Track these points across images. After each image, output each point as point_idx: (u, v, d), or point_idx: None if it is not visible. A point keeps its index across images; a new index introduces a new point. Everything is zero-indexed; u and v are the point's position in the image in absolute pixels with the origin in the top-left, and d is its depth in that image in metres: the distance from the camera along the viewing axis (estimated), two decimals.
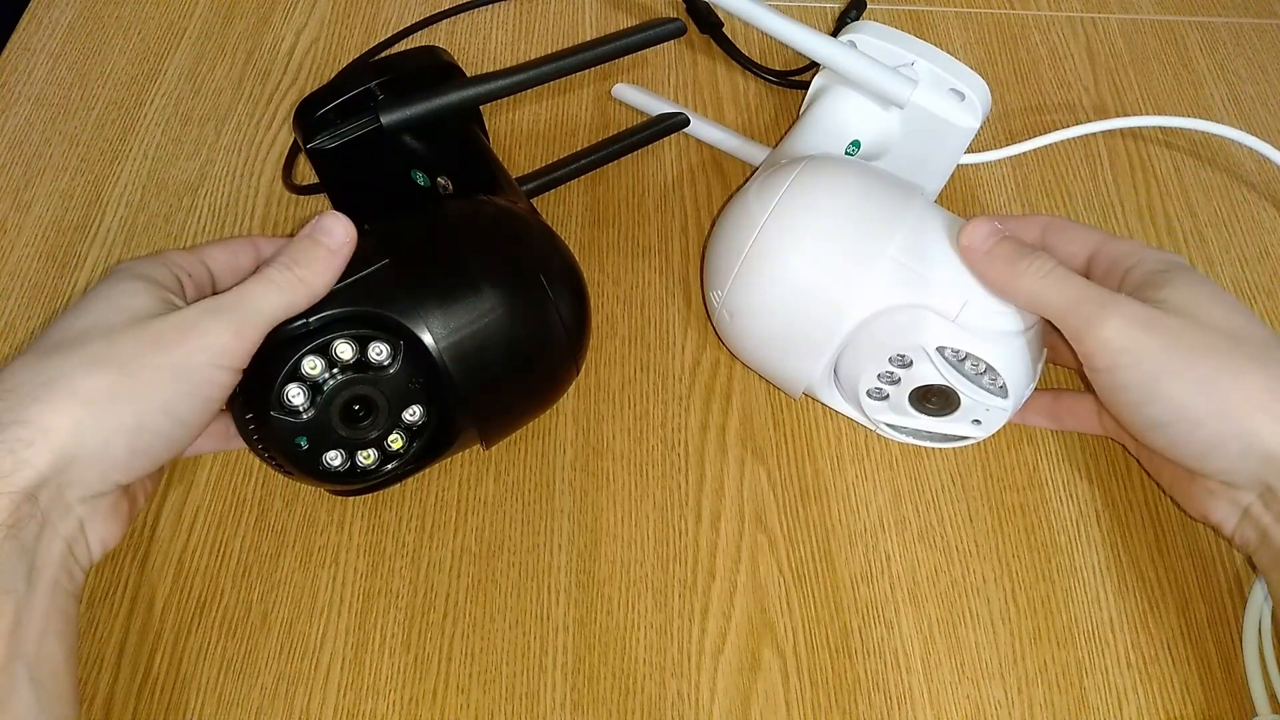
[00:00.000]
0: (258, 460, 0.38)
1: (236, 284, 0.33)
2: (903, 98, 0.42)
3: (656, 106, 0.51)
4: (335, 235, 0.33)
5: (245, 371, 0.33)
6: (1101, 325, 0.33)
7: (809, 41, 0.41)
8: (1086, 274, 0.38)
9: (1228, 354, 0.33)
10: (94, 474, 0.29)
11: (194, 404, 0.31)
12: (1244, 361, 0.32)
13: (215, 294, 0.34)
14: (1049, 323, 0.36)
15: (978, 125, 0.42)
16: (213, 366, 0.31)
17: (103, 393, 0.29)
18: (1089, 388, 0.37)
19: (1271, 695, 0.36)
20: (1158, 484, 0.40)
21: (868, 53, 0.42)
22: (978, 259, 0.35)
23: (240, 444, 0.40)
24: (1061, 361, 0.42)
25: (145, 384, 0.30)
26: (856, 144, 0.44)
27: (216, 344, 0.30)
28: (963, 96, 0.42)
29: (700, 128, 0.50)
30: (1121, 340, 0.33)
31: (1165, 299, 0.34)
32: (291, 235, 0.34)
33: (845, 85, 0.44)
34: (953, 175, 0.46)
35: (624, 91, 0.52)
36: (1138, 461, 0.41)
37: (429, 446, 0.35)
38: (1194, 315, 0.33)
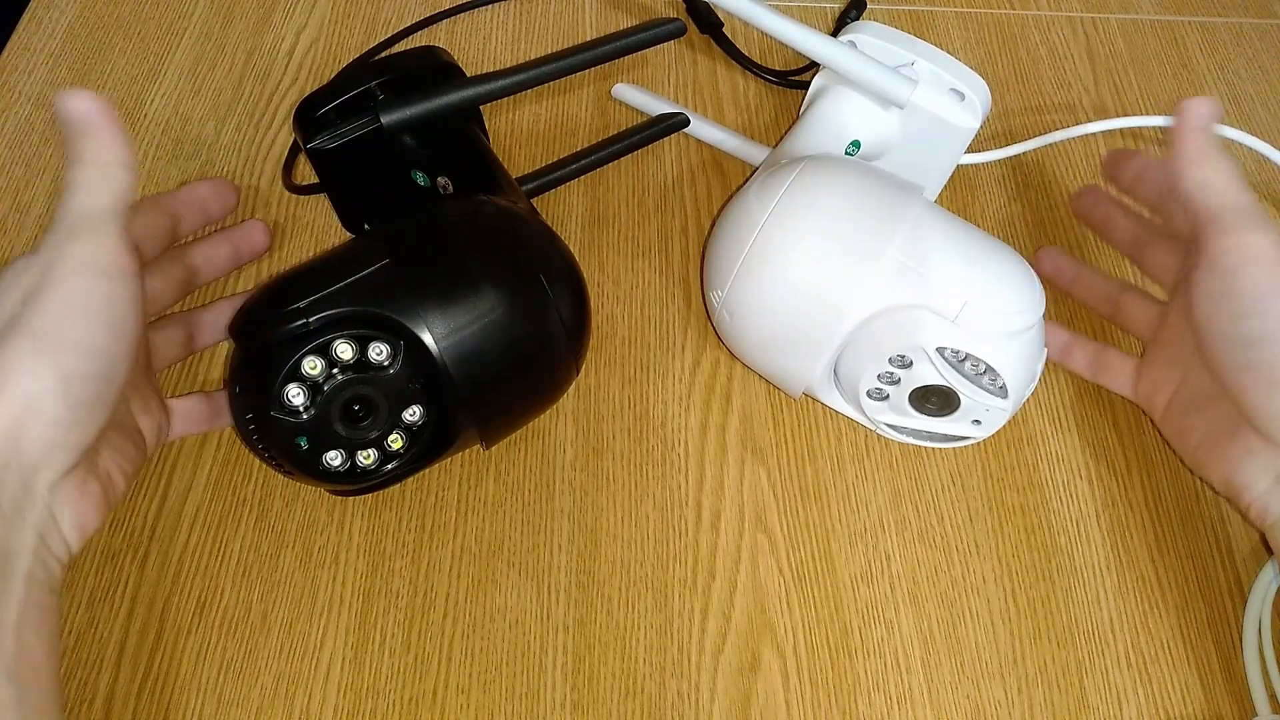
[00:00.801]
0: (258, 460, 0.38)
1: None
2: (903, 98, 0.42)
3: (656, 106, 0.51)
4: (83, 108, 0.31)
5: (245, 372, 0.33)
6: (1247, 230, 0.35)
7: (809, 41, 0.41)
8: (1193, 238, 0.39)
9: None
10: (45, 443, 0.29)
11: (107, 332, 0.30)
12: None
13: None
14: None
15: (978, 125, 0.42)
16: (95, 277, 0.30)
17: (21, 358, 0.29)
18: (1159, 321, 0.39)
19: (1271, 695, 0.36)
20: (1178, 453, 0.40)
21: (868, 53, 0.42)
22: (1191, 126, 0.37)
23: (222, 423, 0.40)
24: (1157, 278, 0.43)
25: (43, 332, 0.29)
26: (856, 144, 0.44)
27: (101, 261, 0.30)
28: (963, 96, 0.42)
29: (700, 128, 0.50)
30: (1259, 249, 0.34)
31: None
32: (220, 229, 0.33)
33: (845, 85, 0.44)
34: (953, 175, 0.46)
35: (624, 91, 0.52)
36: (1159, 433, 0.41)
37: (429, 446, 0.35)
38: None
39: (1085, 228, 0.49)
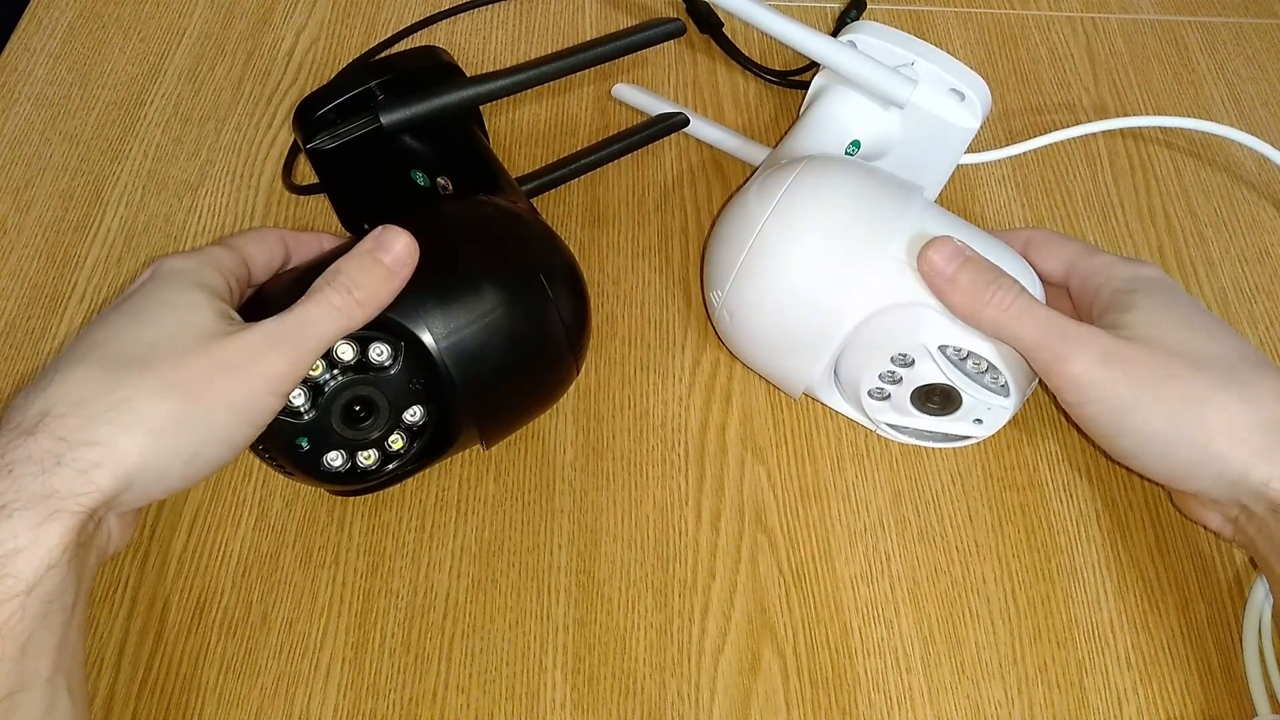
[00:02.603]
0: (258, 460, 0.38)
1: (268, 277, 0.33)
2: (903, 98, 0.42)
3: (657, 106, 0.51)
4: (395, 252, 0.32)
5: None
6: (1067, 362, 0.34)
7: (809, 41, 0.41)
8: (1066, 287, 0.38)
9: (1189, 382, 0.33)
10: (143, 494, 0.29)
11: (247, 431, 0.31)
12: (1205, 390, 0.33)
13: (259, 297, 0.34)
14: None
15: (978, 125, 0.42)
16: (269, 395, 0.30)
17: (170, 420, 0.29)
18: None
19: (1271, 695, 0.36)
20: (1162, 486, 0.40)
21: (868, 53, 0.42)
22: (940, 285, 0.35)
23: None
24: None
25: (209, 412, 0.29)
26: (857, 144, 0.44)
27: (276, 373, 0.30)
28: (963, 96, 0.42)
29: (700, 127, 0.50)
30: (1087, 377, 0.33)
31: (1130, 324, 0.34)
32: (317, 230, 0.33)
33: (845, 85, 0.44)
34: (953, 175, 0.46)
35: (624, 91, 0.52)
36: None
37: (429, 446, 0.35)
38: (1157, 341, 0.34)
39: (1086, 228, 0.49)
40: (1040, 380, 0.36)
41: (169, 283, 0.32)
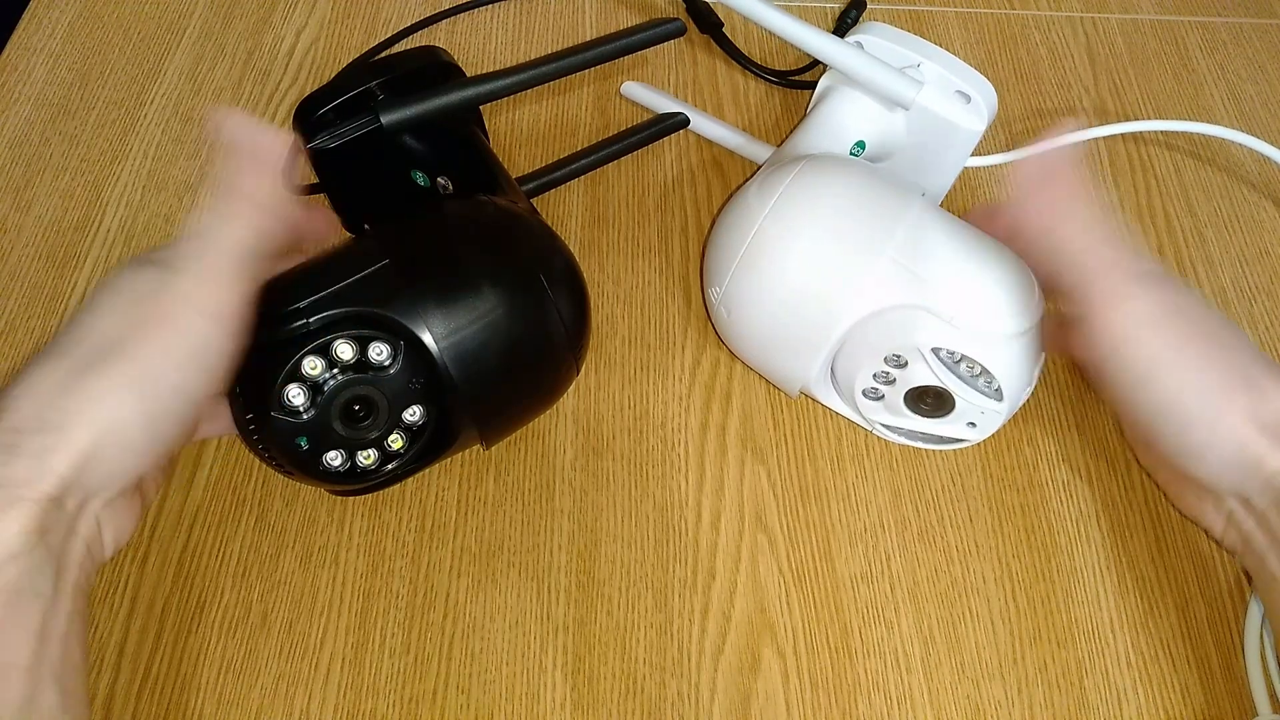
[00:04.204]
0: (258, 460, 0.38)
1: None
2: (908, 99, 0.42)
3: (664, 105, 0.51)
4: (249, 138, 0.31)
5: (246, 372, 0.33)
6: (1128, 300, 0.33)
7: (815, 41, 0.41)
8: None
9: (1228, 363, 0.33)
10: (115, 469, 0.29)
11: (199, 375, 0.30)
12: (1240, 374, 0.33)
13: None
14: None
15: (983, 128, 0.42)
16: (203, 319, 0.30)
17: (115, 389, 0.29)
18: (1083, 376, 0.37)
19: (1272, 695, 0.36)
20: (1154, 481, 0.40)
21: (874, 54, 0.42)
22: (1042, 172, 0.34)
23: None
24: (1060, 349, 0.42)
25: (153, 368, 0.29)
26: (861, 144, 0.44)
27: (208, 303, 0.30)
28: (969, 99, 0.42)
29: (703, 124, 0.50)
30: (1141, 319, 0.33)
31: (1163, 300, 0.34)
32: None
33: (852, 86, 0.44)
34: None
35: (632, 89, 0.52)
36: (1137, 461, 0.41)
37: (429, 446, 0.35)
38: (1193, 319, 0.34)
39: None
40: (1042, 365, 0.36)
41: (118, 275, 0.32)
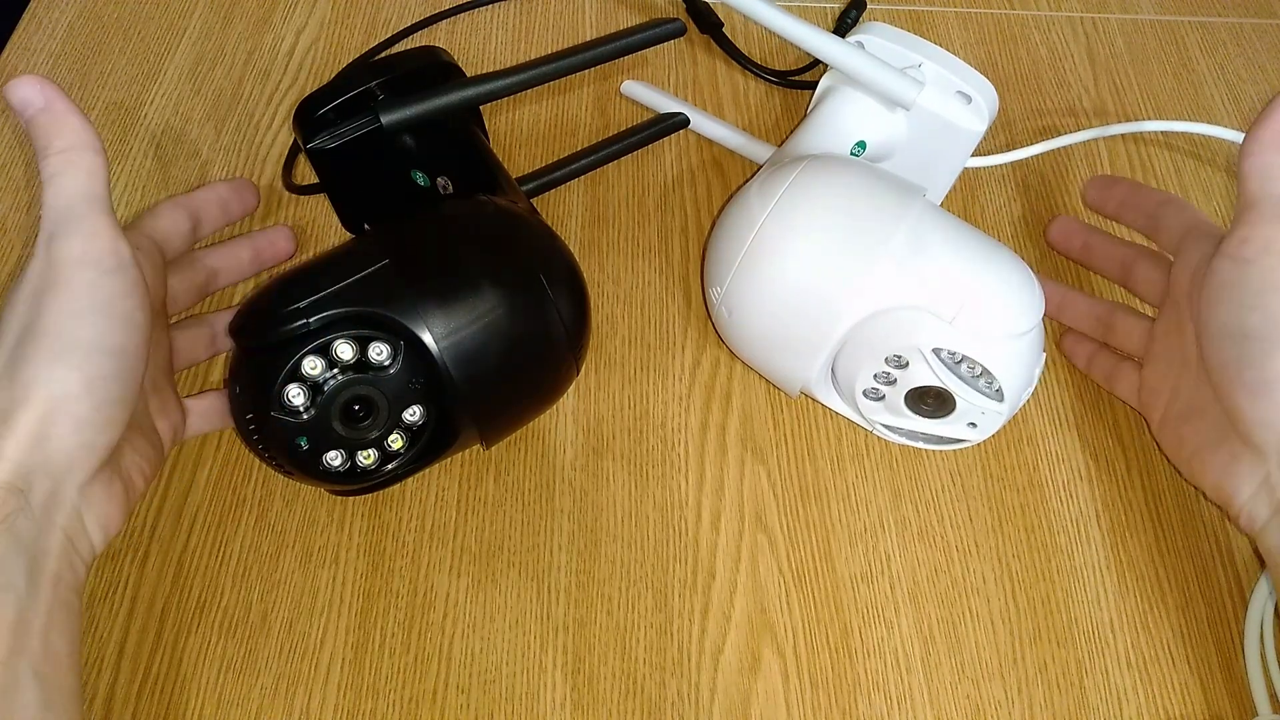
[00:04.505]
0: (258, 460, 0.38)
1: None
2: (909, 99, 0.42)
3: (664, 104, 0.51)
4: (33, 95, 0.31)
5: (245, 372, 0.33)
6: (1277, 222, 0.34)
7: (816, 41, 0.41)
8: (1176, 251, 0.39)
9: None
10: (71, 445, 0.29)
11: (117, 327, 0.30)
12: None
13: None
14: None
15: (984, 128, 0.42)
16: (96, 273, 0.30)
17: (45, 365, 0.29)
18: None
19: (1272, 695, 0.36)
20: (1173, 463, 0.40)
21: (875, 54, 0.42)
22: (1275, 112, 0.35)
23: None
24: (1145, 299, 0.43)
25: (57, 335, 0.29)
26: (862, 145, 0.44)
27: (89, 253, 0.30)
28: (970, 99, 0.42)
29: (704, 124, 0.50)
30: (1275, 243, 0.34)
31: None
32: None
33: (852, 86, 0.44)
34: None
35: (632, 88, 0.52)
36: (1156, 443, 0.41)
37: (429, 446, 0.35)
38: None
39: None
40: (1043, 366, 0.36)
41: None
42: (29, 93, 0.31)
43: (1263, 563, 0.39)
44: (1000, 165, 0.51)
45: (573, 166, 0.46)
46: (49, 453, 0.29)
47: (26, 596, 0.28)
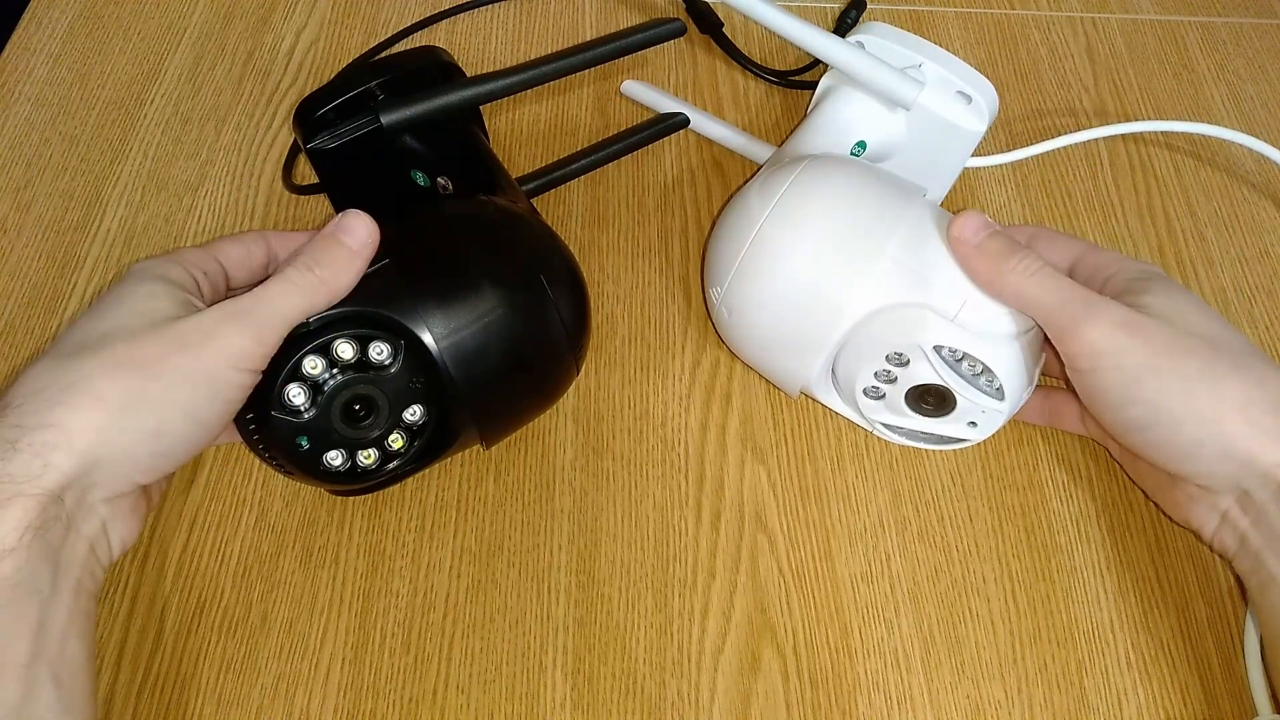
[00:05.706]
0: (258, 460, 0.38)
1: (251, 280, 0.32)
2: (909, 99, 0.42)
3: (664, 104, 0.51)
4: (357, 235, 0.33)
5: None
6: (1086, 326, 0.34)
7: (816, 41, 0.41)
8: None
9: (1207, 359, 0.33)
10: (117, 475, 0.30)
11: (214, 406, 0.31)
12: (1223, 368, 0.33)
13: (231, 291, 0.34)
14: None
15: (984, 129, 0.42)
16: (232, 369, 0.31)
17: (125, 396, 0.29)
18: (1072, 389, 0.37)
19: (1272, 695, 0.36)
20: (1142, 490, 0.40)
21: (876, 54, 0.42)
22: (967, 252, 0.35)
23: None
24: (1049, 372, 0.42)
25: (166, 387, 0.30)
26: (862, 145, 0.44)
27: (236, 348, 0.30)
28: (970, 99, 0.42)
29: (705, 124, 0.50)
30: (1105, 342, 0.33)
31: (1146, 304, 0.34)
32: (304, 229, 0.34)
33: (852, 86, 0.44)
34: None
35: (632, 88, 0.52)
36: (1120, 467, 0.41)
37: (429, 446, 0.35)
38: (1173, 320, 0.34)
39: (1086, 228, 0.49)
40: (1048, 368, 0.36)
41: (128, 279, 0.32)
42: (358, 228, 0.33)
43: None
44: (1000, 165, 0.51)
45: (573, 166, 0.46)
46: (92, 472, 0.29)
47: (50, 602, 0.28)
